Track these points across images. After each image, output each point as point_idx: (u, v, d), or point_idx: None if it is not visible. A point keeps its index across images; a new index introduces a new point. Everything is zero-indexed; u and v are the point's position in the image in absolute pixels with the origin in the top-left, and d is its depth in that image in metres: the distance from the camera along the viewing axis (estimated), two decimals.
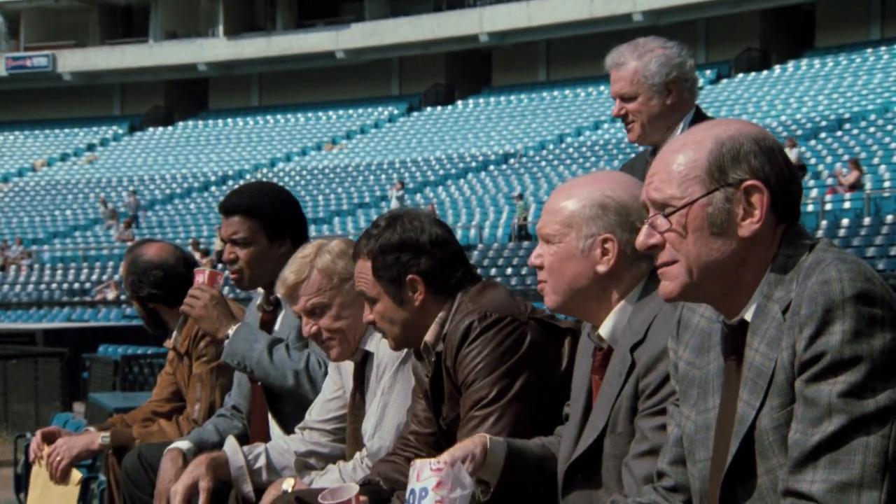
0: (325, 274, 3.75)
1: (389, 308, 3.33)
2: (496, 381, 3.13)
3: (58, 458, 4.78)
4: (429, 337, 3.33)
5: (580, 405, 2.86)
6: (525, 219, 28.57)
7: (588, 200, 2.78)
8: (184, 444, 4.24)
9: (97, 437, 4.80)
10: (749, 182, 2.21)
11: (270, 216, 4.33)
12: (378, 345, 3.68)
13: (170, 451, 4.22)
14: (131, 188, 39.73)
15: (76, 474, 4.83)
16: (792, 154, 26.59)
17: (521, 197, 29.43)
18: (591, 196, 2.78)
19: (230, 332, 4.21)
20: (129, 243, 34.05)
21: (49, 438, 4.91)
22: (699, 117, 4.12)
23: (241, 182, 39.77)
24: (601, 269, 2.75)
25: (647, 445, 2.61)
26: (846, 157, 26.56)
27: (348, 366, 3.88)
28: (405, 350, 3.59)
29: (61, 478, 4.81)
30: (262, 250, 4.33)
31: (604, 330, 2.79)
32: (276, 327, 4.39)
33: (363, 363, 3.77)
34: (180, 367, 5.00)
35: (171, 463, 4.17)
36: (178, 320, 4.91)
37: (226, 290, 4.86)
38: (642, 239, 2.29)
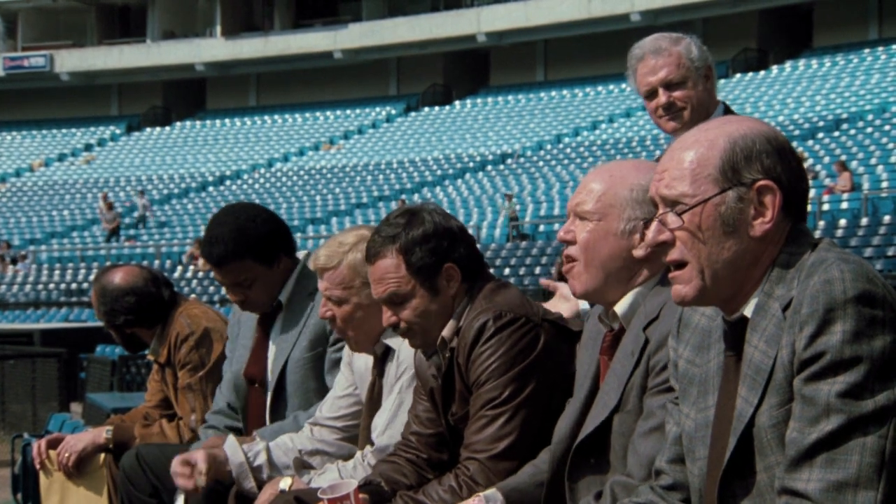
0: (351, 271, 3.70)
1: (425, 301, 3.28)
2: (509, 383, 3.13)
3: (66, 455, 4.78)
4: (446, 332, 3.30)
5: (585, 388, 2.85)
6: (515, 219, 28.60)
7: (636, 185, 2.78)
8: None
9: (101, 432, 4.82)
10: (762, 182, 2.21)
11: (258, 247, 4.25)
12: (402, 342, 3.66)
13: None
14: (139, 188, 39.64)
15: (98, 459, 4.85)
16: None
17: (510, 198, 29.48)
18: (639, 181, 2.79)
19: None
20: (126, 243, 34.14)
21: (54, 445, 4.91)
22: (728, 113, 4.04)
23: (239, 182, 39.79)
24: (638, 253, 2.75)
25: (654, 422, 2.61)
26: (843, 157, 26.57)
27: (360, 363, 3.87)
28: None
29: (77, 471, 4.81)
30: (266, 277, 4.28)
31: (619, 308, 2.79)
32: (276, 329, 4.36)
33: (384, 357, 3.75)
34: (164, 377, 5.00)
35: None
36: (157, 332, 4.91)
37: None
38: (652, 235, 2.28)
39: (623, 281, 2.78)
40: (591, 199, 2.80)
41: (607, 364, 2.81)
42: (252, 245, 4.24)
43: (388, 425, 3.65)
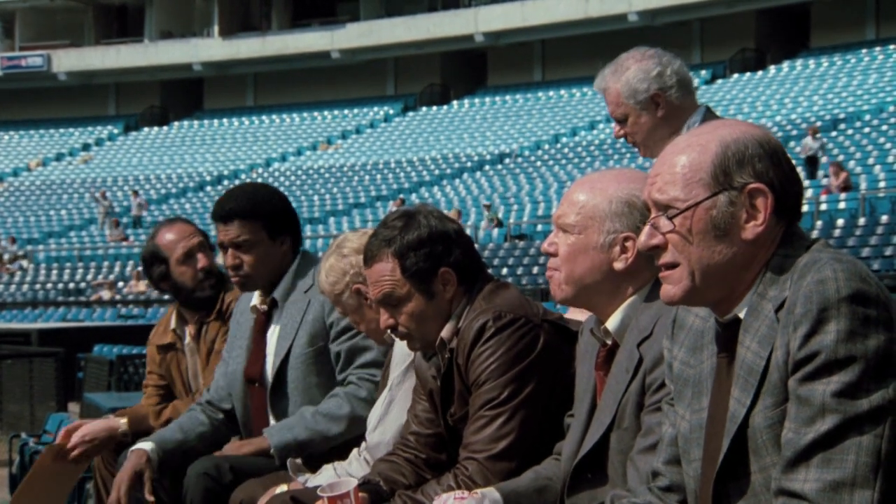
0: (322, 290, 3.89)
1: (420, 305, 3.29)
2: (508, 383, 3.13)
3: (80, 444, 4.66)
4: (445, 333, 3.30)
5: (585, 403, 2.85)
6: (500, 223, 28.74)
7: (615, 197, 2.78)
8: (147, 445, 4.26)
9: (117, 423, 4.73)
10: (753, 185, 2.21)
11: (269, 215, 4.30)
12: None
13: (135, 451, 4.25)
14: (127, 189, 39.70)
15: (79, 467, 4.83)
16: (815, 144, 26.54)
17: (489, 207, 29.73)
18: (619, 193, 2.78)
19: (268, 439, 4.11)
20: (124, 243, 34.13)
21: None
22: (710, 117, 3.96)
23: (237, 182, 39.77)
24: (618, 266, 2.76)
25: (653, 439, 2.61)
26: (841, 157, 26.59)
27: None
28: None
29: (77, 461, 4.72)
30: (266, 250, 4.29)
31: (611, 324, 2.79)
32: (273, 328, 4.36)
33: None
34: (177, 355, 4.92)
35: (136, 458, 4.21)
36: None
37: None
38: (644, 239, 2.29)
39: (608, 293, 2.79)
40: (573, 211, 2.80)
41: (603, 379, 2.81)
42: (263, 210, 4.29)
43: (380, 421, 3.68)
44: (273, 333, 4.34)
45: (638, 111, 3.97)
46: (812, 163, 26.41)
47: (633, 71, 4.00)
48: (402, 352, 3.64)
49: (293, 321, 4.26)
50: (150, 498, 4.18)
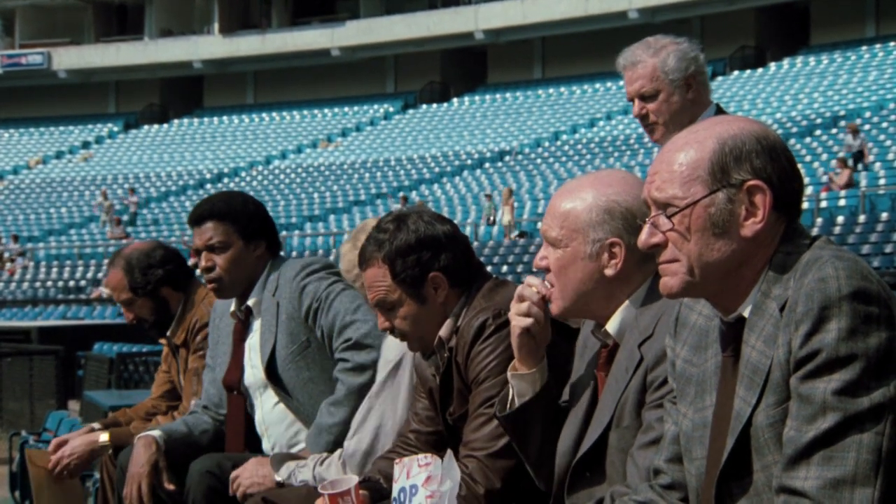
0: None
1: (413, 310, 3.31)
2: (507, 381, 3.13)
3: (66, 462, 4.75)
4: (443, 332, 3.32)
5: (585, 402, 2.86)
6: (493, 220, 28.75)
7: (594, 205, 2.77)
8: (156, 433, 4.33)
9: (97, 438, 4.79)
10: (751, 182, 2.20)
11: (243, 218, 4.31)
12: (387, 344, 3.69)
13: (143, 438, 4.29)
14: (127, 186, 39.72)
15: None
16: (856, 142, 26.46)
17: (490, 197, 29.71)
18: (597, 201, 2.77)
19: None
20: (124, 241, 34.12)
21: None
22: (720, 114, 4.04)
23: (237, 179, 39.83)
24: (609, 272, 2.75)
25: (653, 435, 2.61)
26: (841, 155, 26.59)
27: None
28: (399, 358, 3.59)
29: (70, 476, 4.82)
30: (239, 252, 4.30)
31: (611, 326, 2.79)
32: (252, 334, 4.36)
33: None
34: (174, 362, 4.99)
35: (145, 448, 4.26)
36: (178, 311, 4.90)
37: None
38: (644, 238, 2.29)
39: (604, 299, 2.78)
40: (556, 225, 2.80)
41: (604, 380, 2.81)
42: (235, 213, 4.30)
43: (357, 430, 3.67)
44: (252, 341, 4.35)
45: (671, 89, 4.01)
46: (859, 159, 26.20)
47: (671, 49, 4.05)
48: (385, 359, 3.64)
49: (270, 327, 4.27)
50: (171, 486, 4.20)
